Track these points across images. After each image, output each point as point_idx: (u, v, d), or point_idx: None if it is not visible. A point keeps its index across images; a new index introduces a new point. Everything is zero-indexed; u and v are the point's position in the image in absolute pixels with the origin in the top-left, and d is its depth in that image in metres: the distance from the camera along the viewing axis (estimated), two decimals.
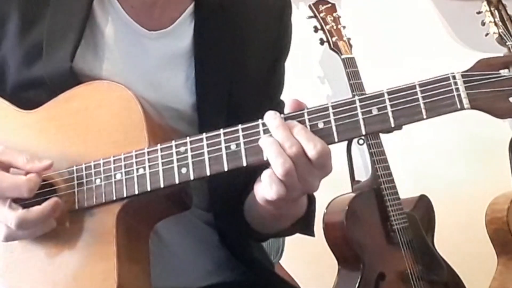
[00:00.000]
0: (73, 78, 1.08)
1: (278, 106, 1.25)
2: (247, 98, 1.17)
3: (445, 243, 2.29)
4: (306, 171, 0.91)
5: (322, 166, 0.92)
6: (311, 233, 1.19)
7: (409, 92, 0.90)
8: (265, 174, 0.93)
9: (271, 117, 0.93)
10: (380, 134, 2.25)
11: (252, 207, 1.11)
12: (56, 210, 0.98)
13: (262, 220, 1.13)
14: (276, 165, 0.90)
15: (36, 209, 0.97)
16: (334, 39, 2.40)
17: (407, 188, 2.31)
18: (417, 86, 0.90)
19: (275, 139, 0.91)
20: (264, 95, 1.21)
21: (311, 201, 1.13)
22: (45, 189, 1.01)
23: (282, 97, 1.29)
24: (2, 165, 0.99)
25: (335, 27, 2.42)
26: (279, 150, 0.90)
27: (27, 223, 0.97)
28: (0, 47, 1.13)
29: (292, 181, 0.91)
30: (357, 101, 0.91)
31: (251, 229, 1.17)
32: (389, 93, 0.91)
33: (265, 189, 0.93)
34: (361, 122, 0.91)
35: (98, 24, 1.13)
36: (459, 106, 0.88)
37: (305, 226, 1.16)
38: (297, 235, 1.21)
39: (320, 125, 0.92)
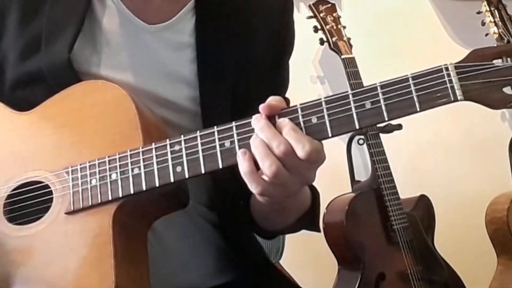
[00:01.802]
0: (70, 71, 1.08)
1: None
2: (251, 93, 1.16)
3: (445, 243, 2.29)
4: (299, 167, 0.91)
5: (315, 161, 0.92)
6: (317, 229, 1.19)
7: (402, 85, 0.89)
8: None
9: (255, 120, 0.93)
10: (380, 134, 2.25)
11: (255, 203, 1.11)
12: None
13: (266, 215, 1.13)
14: (264, 167, 0.90)
15: None
16: (334, 39, 2.40)
17: (407, 188, 2.31)
18: (410, 79, 0.89)
19: (262, 139, 0.91)
20: (269, 90, 1.20)
21: (315, 196, 1.13)
22: (41, 190, 1.01)
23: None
24: None
25: (335, 27, 2.42)
26: (266, 152, 0.90)
27: None
28: (1, 42, 1.14)
29: (283, 180, 0.91)
30: (350, 96, 0.91)
31: (257, 227, 1.17)
32: (382, 86, 0.90)
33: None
34: (355, 116, 0.90)
35: (97, 17, 1.13)
36: (452, 98, 0.87)
37: (310, 221, 1.16)
38: (298, 234, 1.21)
39: (314, 120, 0.92)
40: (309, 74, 2.68)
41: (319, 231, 1.20)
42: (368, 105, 0.90)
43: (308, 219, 1.14)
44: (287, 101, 1.24)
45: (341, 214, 2.12)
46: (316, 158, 0.91)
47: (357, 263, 2.11)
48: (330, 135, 0.91)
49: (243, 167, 0.92)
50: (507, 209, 2.28)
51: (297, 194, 1.02)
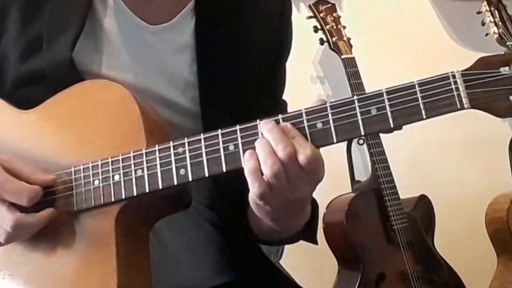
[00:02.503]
0: (73, 70, 1.07)
1: (280, 105, 1.25)
2: (250, 94, 1.17)
3: (445, 243, 2.29)
4: (296, 175, 0.91)
5: (313, 171, 0.91)
6: (314, 242, 1.19)
7: (408, 91, 0.88)
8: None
9: (265, 123, 0.93)
10: (380, 134, 2.25)
11: (253, 220, 1.11)
12: (51, 219, 0.99)
13: (264, 231, 1.13)
14: (266, 166, 0.90)
15: (33, 216, 0.97)
16: (334, 39, 2.40)
17: (407, 188, 2.31)
18: (417, 86, 0.88)
19: (269, 140, 0.91)
20: (267, 92, 1.21)
21: (314, 209, 1.12)
22: (43, 190, 1.00)
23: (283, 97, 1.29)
24: (9, 171, 0.99)
25: (335, 27, 2.42)
26: (270, 152, 0.90)
27: (23, 227, 0.97)
28: (1, 41, 1.13)
29: (281, 183, 0.91)
30: (356, 101, 0.90)
31: (255, 236, 1.16)
32: (388, 92, 0.89)
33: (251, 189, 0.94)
34: (360, 122, 0.89)
35: (98, 17, 1.13)
36: (459, 106, 0.87)
37: (308, 235, 1.16)
38: None
39: (319, 125, 0.91)
40: (309, 74, 2.68)
41: (316, 243, 1.20)
42: (373, 111, 0.89)
43: (306, 232, 1.14)
44: (284, 104, 1.25)
45: (341, 214, 2.13)
46: (315, 167, 0.91)
47: (357, 263, 2.11)
48: (335, 140, 0.91)
49: (249, 164, 0.91)
50: (507, 209, 2.28)
51: (296, 214, 1.02)
